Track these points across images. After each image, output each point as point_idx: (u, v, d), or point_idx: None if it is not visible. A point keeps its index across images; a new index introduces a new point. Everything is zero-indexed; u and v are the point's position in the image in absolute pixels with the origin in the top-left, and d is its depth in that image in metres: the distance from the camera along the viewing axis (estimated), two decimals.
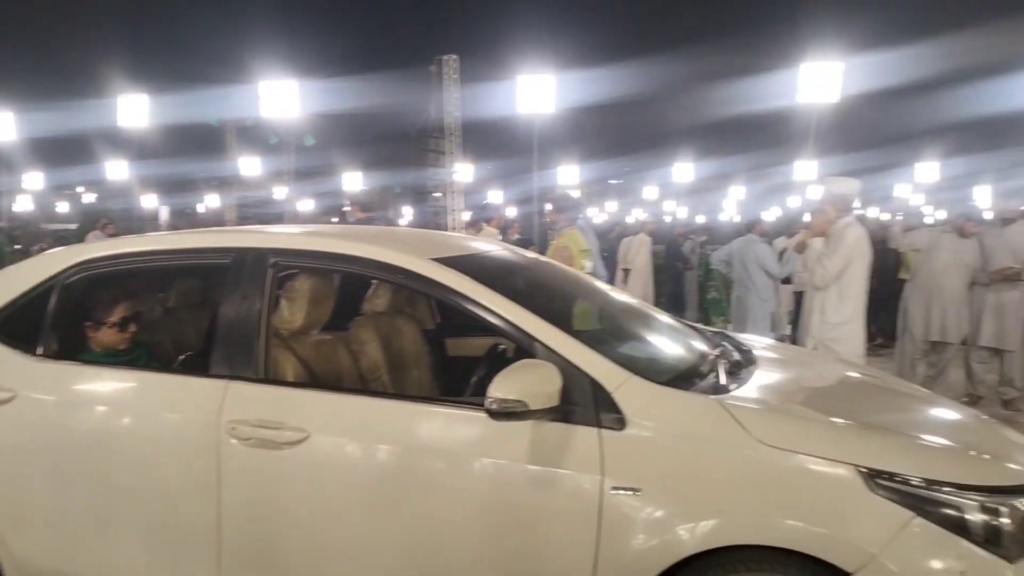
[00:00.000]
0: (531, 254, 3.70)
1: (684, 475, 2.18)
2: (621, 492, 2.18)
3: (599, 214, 43.48)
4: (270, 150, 34.90)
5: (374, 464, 2.43)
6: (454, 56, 32.83)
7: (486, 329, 2.51)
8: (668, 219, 22.82)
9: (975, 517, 2.05)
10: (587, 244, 5.25)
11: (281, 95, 22.15)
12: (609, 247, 12.62)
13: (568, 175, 33.82)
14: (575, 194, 6.56)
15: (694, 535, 2.11)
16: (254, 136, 33.93)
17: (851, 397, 2.84)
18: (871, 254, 4.90)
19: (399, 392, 3.00)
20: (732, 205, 33.26)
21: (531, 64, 16.13)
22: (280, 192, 36.60)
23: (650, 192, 40.51)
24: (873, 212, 24.99)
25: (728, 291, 9.01)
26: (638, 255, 11.45)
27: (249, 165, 34.55)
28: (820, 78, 13.19)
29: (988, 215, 7.30)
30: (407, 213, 34.92)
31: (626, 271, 11.32)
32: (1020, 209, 7.04)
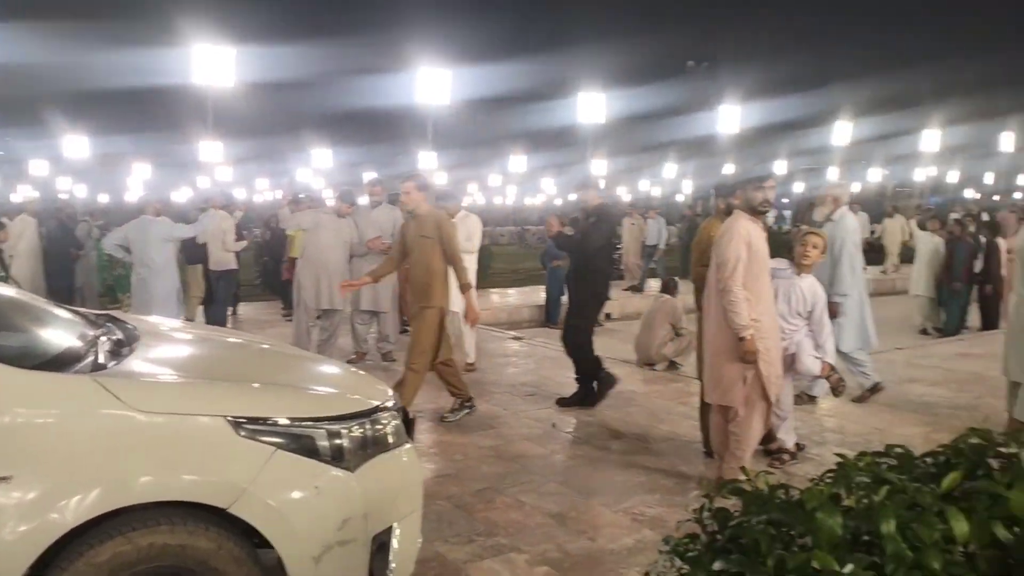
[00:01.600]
0: None
1: (61, 453, 2.21)
2: None
3: None
4: None
5: None
6: None
7: None
8: (65, 197, 20.40)
9: (324, 442, 2.54)
10: None
11: None
12: None
13: None
14: None
15: (76, 509, 2.16)
16: None
17: (236, 363, 3.15)
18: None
19: None
20: (138, 185, 30.96)
21: None
22: None
23: (39, 167, 35.09)
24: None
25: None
26: (21, 239, 10.14)
27: None
28: (214, 63, 13.16)
29: (362, 199, 8.55)
30: None
31: (11, 257, 9.88)
32: (384, 193, 8.48)
